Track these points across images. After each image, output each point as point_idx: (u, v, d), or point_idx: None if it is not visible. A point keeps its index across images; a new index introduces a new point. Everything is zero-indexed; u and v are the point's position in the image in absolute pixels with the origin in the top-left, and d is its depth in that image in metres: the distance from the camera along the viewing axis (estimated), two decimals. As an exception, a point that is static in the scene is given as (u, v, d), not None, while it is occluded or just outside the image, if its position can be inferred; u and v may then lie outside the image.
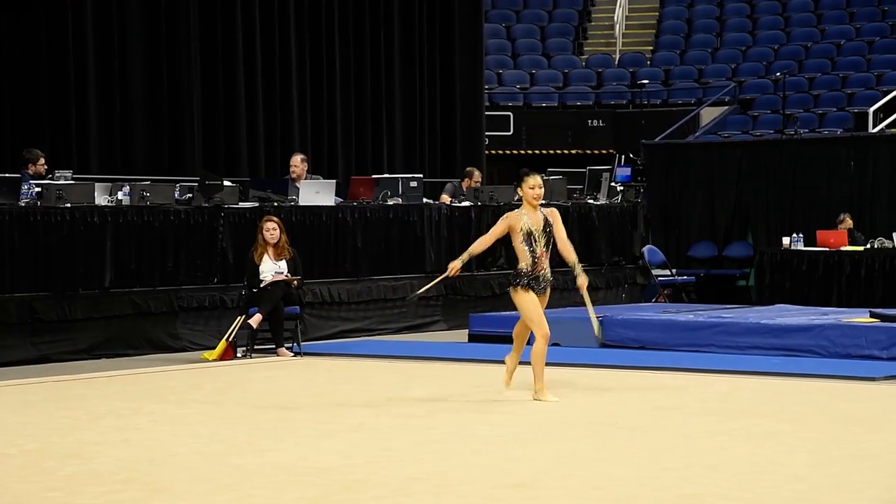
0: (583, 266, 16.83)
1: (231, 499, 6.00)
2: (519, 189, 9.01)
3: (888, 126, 19.07)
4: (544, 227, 8.87)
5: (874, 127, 18.99)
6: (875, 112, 19.22)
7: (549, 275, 9.00)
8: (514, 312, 14.10)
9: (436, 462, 6.90)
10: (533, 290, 8.91)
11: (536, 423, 8.24)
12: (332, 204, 13.76)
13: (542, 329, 8.97)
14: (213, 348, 11.87)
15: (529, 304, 8.93)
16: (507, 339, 12.92)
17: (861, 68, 21.00)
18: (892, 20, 21.84)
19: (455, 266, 9.09)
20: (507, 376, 9.45)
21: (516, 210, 9.04)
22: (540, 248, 8.89)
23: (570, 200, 16.35)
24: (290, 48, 16.15)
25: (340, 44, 16.66)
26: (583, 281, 9.03)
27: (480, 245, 9.14)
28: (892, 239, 14.97)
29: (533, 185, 8.87)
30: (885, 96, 19.43)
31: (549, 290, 9.03)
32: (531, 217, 8.89)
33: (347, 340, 13.36)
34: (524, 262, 8.91)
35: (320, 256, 13.51)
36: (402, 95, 17.26)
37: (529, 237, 8.85)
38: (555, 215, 8.99)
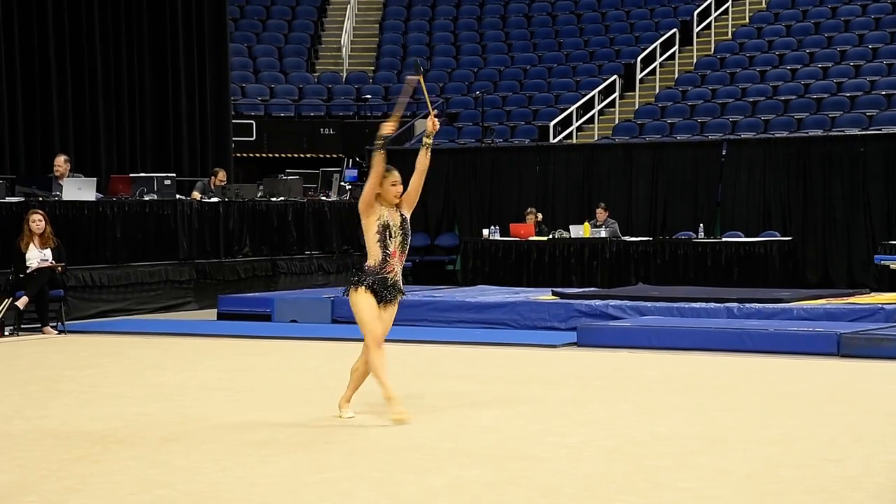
0: (317, 253, 16.67)
1: (-1, 463, 5.73)
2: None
3: (564, 138, 19.85)
4: (402, 224, 6.79)
5: (554, 138, 19.73)
6: (554, 126, 19.96)
7: (399, 280, 6.79)
8: (259, 293, 14.07)
9: (186, 424, 6.77)
10: (376, 293, 6.69)
11: (274, 387, 8.18)
12: (94, 199, 13.37)
13: (373, 335, 6.65)
14: (-18, 328, 11.30)
15: (365, 308, 6.66)
16: (252, 317, 12.90)
17: (543, 89, 21.75)
18: (567, 50, 22.73)
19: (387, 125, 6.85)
20: (345, 402, 6.99)
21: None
22: (394, 245, 6.75)
23: (306, 197, 16.33)
24: (50, 63, 15.38)
25: (101, 56, 16.02)
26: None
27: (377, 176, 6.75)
28: (569, 230, 15.59)
29: (394, 182, 6.82)
30: (561, 113, 20.20)
31: (396, 301, 6.77)
32: (390, 213, 6.80)
33: (108, 319, 12.94)
34: (373, 260, 6.74)
35: (83, 245, 13.06)
36: (155, 105, 16.77)
37: (385, 231, 6.73)
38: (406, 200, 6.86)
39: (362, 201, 6.76)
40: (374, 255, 6.74)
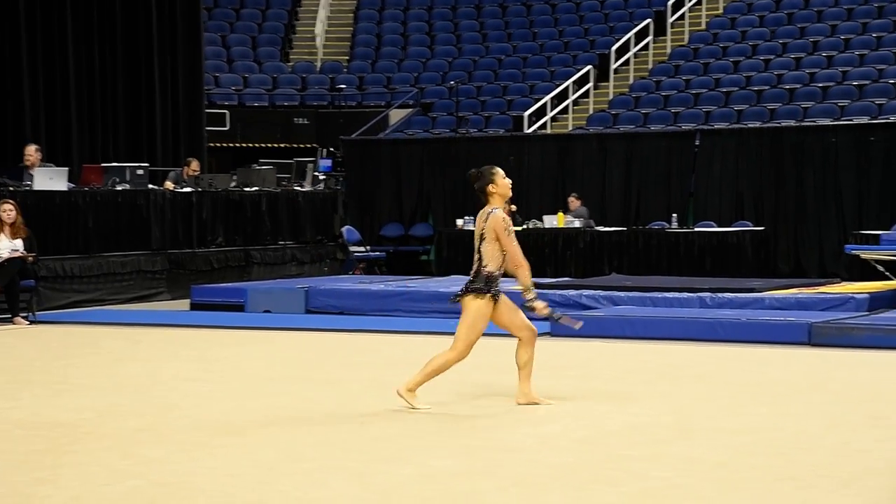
0: (291, 243, 16.62)
1: (-32, 455, 5.67)
2: (491, 186, 6.80)
3: (539, 128, 19.85)
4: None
5: (528, 128, 19.73)
6: (529, 116, 19.96)
7: None
8: (232, 284, 14.01)
9: (158, 415, 6.73)
10: (494, 299, 6.85)
11: (247, 378, 8.15)
12: (65, 189, 13.27)
13: (472, 346, 6.92)
14: (-48, 319, 11.18)
15: (484, 319, 6.85)
16: (225, 307, 12.81)
17: (517, 79, 21.75)
18: (541, 40, 22.75)
19: (542, 306, 6.91)
20: (533, 395, 7.08)
21: (494, 209, 6.83)
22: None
23: (280, 187, 16.27)
24: (21, 52, 15.23)
25: (73, 44, 15.88)
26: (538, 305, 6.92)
27: (524, 270, 6.84)
28: (543, 221, 15.59)
29: (505, 176, 6.85)
30: (536, 103, 20.20)
31: None
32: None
33: (79, 310, 12.85)
34: (495, 266, 6.82)
35: (54, 235, 12.95)
36: (128, 95, 16.66)
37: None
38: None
39: (508, 230, 6.82)
40: (496, 261, 6.85)
